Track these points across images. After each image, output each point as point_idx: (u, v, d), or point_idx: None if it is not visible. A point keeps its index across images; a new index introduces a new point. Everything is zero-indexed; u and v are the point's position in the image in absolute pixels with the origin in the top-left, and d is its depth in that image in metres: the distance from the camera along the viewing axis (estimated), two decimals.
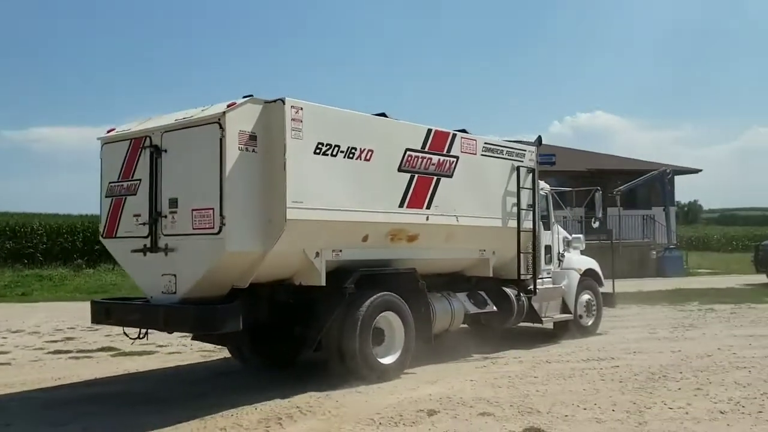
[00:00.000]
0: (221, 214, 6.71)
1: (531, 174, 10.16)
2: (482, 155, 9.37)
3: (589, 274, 11.84)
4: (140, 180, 7.54)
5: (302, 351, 8.32)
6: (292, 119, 7.03)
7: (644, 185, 29.52)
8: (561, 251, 11.48)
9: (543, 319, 10.64)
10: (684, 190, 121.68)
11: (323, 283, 7.57)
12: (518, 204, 9.85)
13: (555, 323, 11.21)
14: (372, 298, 7.82)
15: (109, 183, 7.93)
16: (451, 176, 8.80)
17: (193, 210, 6.98)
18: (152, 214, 7.37)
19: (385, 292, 8.04)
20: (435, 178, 8.59)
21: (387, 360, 8.05)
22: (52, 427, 6.40)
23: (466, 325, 9.87)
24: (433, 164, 8.57)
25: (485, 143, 9.49)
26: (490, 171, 9.52)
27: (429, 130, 8.57)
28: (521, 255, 9.95)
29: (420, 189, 8.39)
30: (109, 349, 10.88)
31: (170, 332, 8.05)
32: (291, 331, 8.13)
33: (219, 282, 7.23)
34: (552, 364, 8.87)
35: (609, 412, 6.43)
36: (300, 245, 7.32)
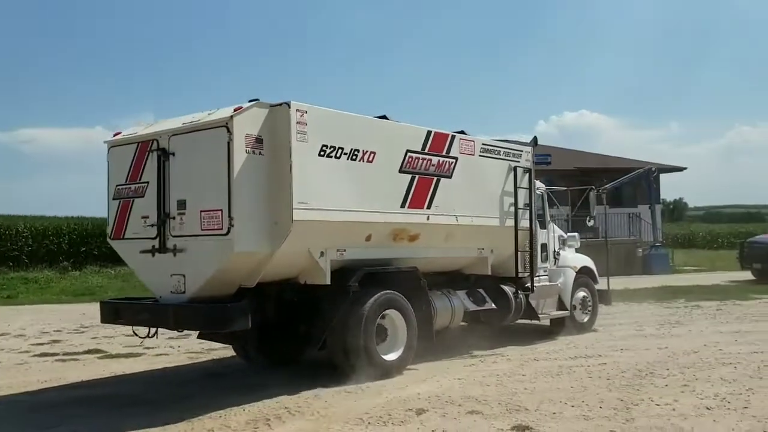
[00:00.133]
0: (230, 215, 6.97)
1: (527, 174, 10.49)
2: (480, 156, 9.69)
3: (584, 271, 12.19)
4: (148, 182, 7.80)
5: (307, 349, 8.60)
6: (298, 122, 7.30)
7: (630, 183, 29.86)
8: (557, 249, 11.83)
9: (540, 316, 10.97)
10: (669, 188, 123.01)
11: (328, 282, 7.84)
12: (515, 203, 10.18)
13: (551, 320, 11.55)
14: (375, 297, 8.10)
15: (117, 185, 8.18)
16: (450, 177, 9.11)
17: (201, 211, 7.24)
18: (160, 216, 7.62)
19: (388, 291, 8.32)
20: (435, 178, 8.90)
21: (390, 357, 8.32)
22: (39, 430, 6.48)
23: (464, 323, 10.16)
24: (433, 165, 8.88)
25: (483, 144, 9.82)
26: (488, 171, 9.84)
27: (429, 132, 8.88)
28: (519, 253, 10.29)
29: (420, 189, 8.70)
30: (96, 351, 10.92)
31: (180, 331, 8.35)
32: (296, 330, 8.39)
33: (227, 281, 7.50)
34: (540, 362, 9.06)
35: (596, 409, 6.56)
36: (306, 245, 7.60)
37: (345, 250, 8.04)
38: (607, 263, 13.95)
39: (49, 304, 19.54)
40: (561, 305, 11.57)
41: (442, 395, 7.17)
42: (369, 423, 6.27)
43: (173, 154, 7.60)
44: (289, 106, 7.29)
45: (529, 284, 10.61)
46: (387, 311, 8.30)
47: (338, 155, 7.75)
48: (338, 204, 7.71)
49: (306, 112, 7.40)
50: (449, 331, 9.80)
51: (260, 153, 7.23)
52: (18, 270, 25.22)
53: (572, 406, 6.64)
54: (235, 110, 7.11)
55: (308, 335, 8.25)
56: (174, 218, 7.53)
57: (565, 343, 10.60)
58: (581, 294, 11.99)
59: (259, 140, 7.23)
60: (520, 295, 10.42)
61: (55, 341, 12.14)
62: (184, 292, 7.52)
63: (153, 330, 7.98)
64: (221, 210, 7.03)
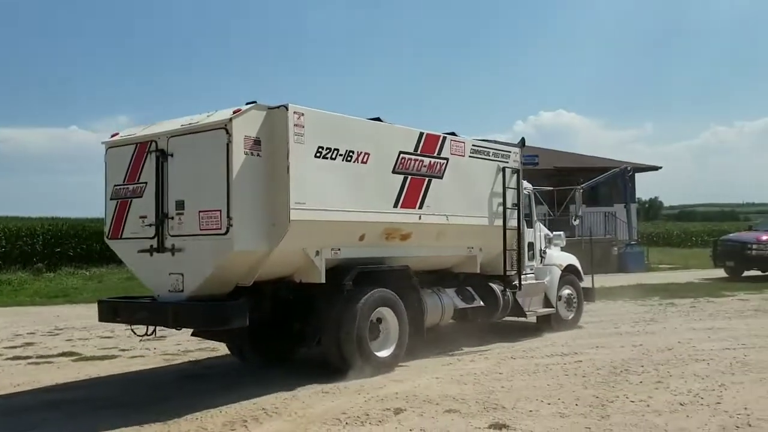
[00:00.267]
0: (228, 216, 7.24)
1: (516, 174, 10.89)
2: (470, 157, 10.07)
3: (569, 269, 12.61)
4: (146, 183, 8.04)
5: (302, 346, 8.90)
6: (295, 124, 7.59)
7: (605, 183, 30.24)
8: (543, 248, 12.26)
9: (527, 313, 11.38)
10: (644, 188, 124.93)
11: (323, 281, 8.14)
12: (504, 203, 10.57)
13: (538, 317, 12.00)
14: (369, 295, 8.43)
15: (114, 186, 8.41)
16: (441, 177, 9.48)
17: (200, 212, 7.49)
18: (159, 216, 7.87)
19: (381, 289, 8.65)
20: (426, 179, 9.26)
21: (383, 353, 8.65)
22: None
23: (452, 320, 10.51)
24: (425, 166, 9.24)
25: (473, 145, 10.21)
26: (478, 172, 10.22)
27: (421, 134, 9.25)
28: (507, 252, 10.66)
29: (413, 190, 9.05)
30: (70, 354, 10.89)
31: (179, 329, 8.56)
32: (290, 328, 8.67)
33: (225, 280, 7.78)
34: (517, 360, 9.27)
35: (572, 406, 6.73)
36: (302, 244, 7.90)
37: (339, 249, 8.34)
38: (591, 261, 14.25)
39: (23, 306, 19.37)
40: (547, 303, 11.97)
41: (419, 394, 7.32)
42: (347, 423, 6.38)
43: (172, 155, 7.84)
44: (287, 108, 7.57)
45: (516, 282, 10.96)
46: (380, 309, 8.63)
47: (334, 156, 8.06)
48: (334, 204, 8.02)
49: (303, 115, 7.70)
50: (438, 328, 10.14)
51: (258, 154, 7.51)
52: None
53: (548, 404, 6.82)
54: (234, 112, 7.38)
55: (303, 333, 8.54)
56: (172, 218, 7.78)
57: (542, 341, 10.87)
58: (567, 291, 12.41)
59: (257, 142, 7.51)
60: (508, 293, 10.80)
61: (28, 344, 12.09)
62: (182, 291, 7.77)
63: (151, 328, 8.21)
64: (220, 210, 7.29)
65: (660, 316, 14.10)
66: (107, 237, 8.61)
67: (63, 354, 10.87)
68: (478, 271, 10.51)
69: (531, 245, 11.79)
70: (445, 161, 9.57)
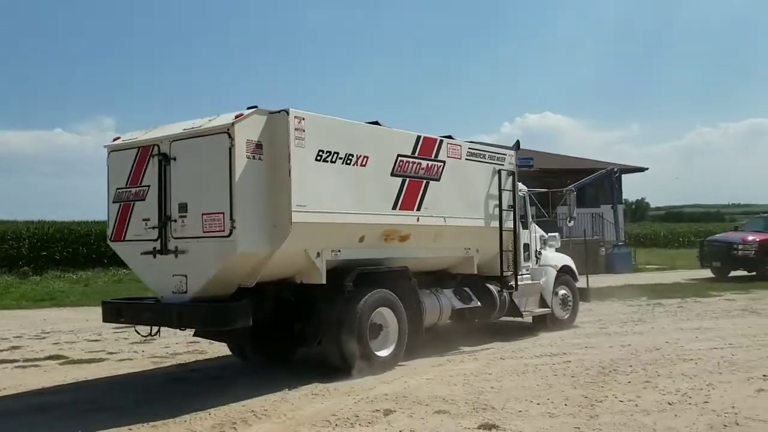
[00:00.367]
0: (231, 218, 7.45)
1: (511, 176, 11.18)
2: (467, 159, 10.33)
3: (565, 270, 12.89)
4: (149, 186, 8.24)
5: (303, 346, 9.11)
6: (296, 129, 7.83)
7: (592, 184, 30.55)
8: (538, 249, 12.53)
9: (523, 313, 11.65)
10: (631, 189, 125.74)
11: (324, 282, 8.36)
12: (500, 205, 10.83)
13: (534, 317, 12.26)
14: (368, 295, 8.66)
15: (117, 189, 8.61)
16: (438, 179, 9.74)
17: (203, 214, 7.71)
18: (161, 218, 8.06)
19: (381, 289, 8.88)
20: (424, 181, 9.52)
21: (383, 353, 8.87)
22: None
23: (450, 320, 10.68)
24: (423, 169, 9.50)
25: (469, 148, 10.48)
26: (474, 174, 10.49)
27: (418, 137, 9.51)
28: (503, 253, 10.93)
29: (411, 192, 9.31)
30: (57, 357, 10.87)
31: (182, 329, 8.76)
32: (292, 328, 8.87)
33: (228, 281, 7.99)
34: (506, 361, 9.37)
35: (561, 406, 6.80)
36: (303, 246, 8.12)
37: (340, 251, 8.58)
38: (586, 262, 14.51)
39: (9, 309, 19.27)
40: (543, 303, 12.25)
41: (409, 395, 7.39)
42: (336, 425, 6.42)
43: (174, 159, 8.05)
44: (287, 113, 7.81)
45: (512, 283, 11.21)
46: (380, 309, 8.85)
47: (334, 160, 8.29)
48: (334, 206, 8.25)
49: (303, 119, 7.94)
50: (436, 328, 10.38)
51: (260, 158, 7.73)
52: None
53: (538, 404, 6.91)
54: (236, 117, 7.60)
55: (304, 333, 8.76)
56: (175, 221, 7.98)
57: (532, 342, 11.04)
58: (562, 292, 12.69)
59: (258, 146, 7.73)
60: (504, 293, 11.06)
61: (14, 347, 12.04)
62: (186, 292, 7.96)
63: (155, 329, 8.42)
64: (223, 213, 7.51)
65: (648, 316, 14.29)
66: (110, 239, 8.78)
67: (50, 357, 10.88)
68: (475, 272, 10.75)
69: (527, 246, 12.06)
70: (442, 164, 9.83)
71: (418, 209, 9.44)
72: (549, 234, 13.11)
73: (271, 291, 8.48)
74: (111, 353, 11.10)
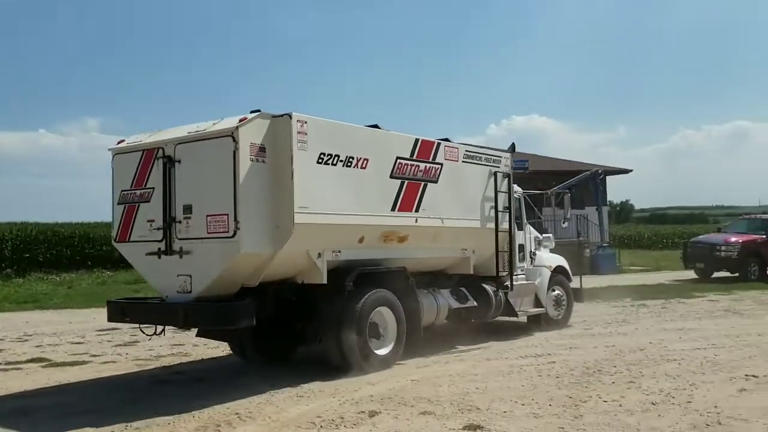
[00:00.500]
0: (236, 219, 7.71)
1: (507, 179, 11.50)
2: (463, 162, 10.65)
3: (559, 270, 13.23)
4: (153, 188, 8.50)
5: (304, 345, 9.39)
6: (298, 132, 8.10)
7: (577, 186, 30.69)
8: (533, 250, 12.88)
9: (518, 312, 11.98)
10: (616, 191, 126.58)
11: (325, 282, 8.63)
12: (496, 206, 11.16)
13: (529, 317, 12.61)
14: (368, 295, 8.93)
15: (122, 191, 8.85)
16: (436, 182, 10.05)
17: (207, 216, 7.97)
18: (166, 220, 8.32)
19: (380, 289, 9.16)
20: (422, 183, 9.82)
21: (382, 351, 9.16)
22: None
23: (446, 320, 10.96)
24: (421, 171, 9.81)
25: (466, 151, 10.80)
26: (471, 176, 10.81)
27: (416, 140, 9.81)
28: (499, 253, 11.24)
29: (409, 194, 9.61)
30: (40, 360, 10.84)
31: (188, 329, 9.04)
32: (292, 327, 9.15)
33: (232, 281, 8.25)
34: (492, 362, 9.48)
35: (546, 407, 6.89)
36: (305, 247, 8.39)
37: (340, 251, 8.86)
38: (581, 262, 14.98)
39: None
40: (538, 303, 12.58)
41: (394, 396, 7.46)
42: (321, 426, 6.47)
43: (179, 162, 8.31)
44: (290, 117, 8.09)
45: (508, 283, 11.53)
46: (379, 309, 9.14)
47: (335, 162, 8.58)
48: (335, 208, 8.54)
49: (306, 123, 8.21)
50: (433, 327, 10.66)
51: (263, 161, 8.01)
52: None
53: (522, 405, 7.00)
54: (240, 121, 7.87)
55: (304, 332, 9.04)
56: (180, 222, 8.23)
57: (517, 343, 11.21)
58: (556, 292, 13.04)
59: (262, 149, 8.01)
60: (500, 293, 11.38)
61: None
62: (190, 292, 8.22)
63: (160, 328, 8.67)
64: (227, 214, 7.78)
65: (632, 317, 14.55)
66: (115, 240, 9.03)
67: (32, 360, 10.86)
68: (472, 273, 11.08)
69: (522, 247, 12.39)
70: (440, 166, 10.14)
71: (417, 211, 9.72)
72: (543, 235, 13.46)
73: (272, 291, 8.72)
74: (94, 356, 11.14)
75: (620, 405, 6.91)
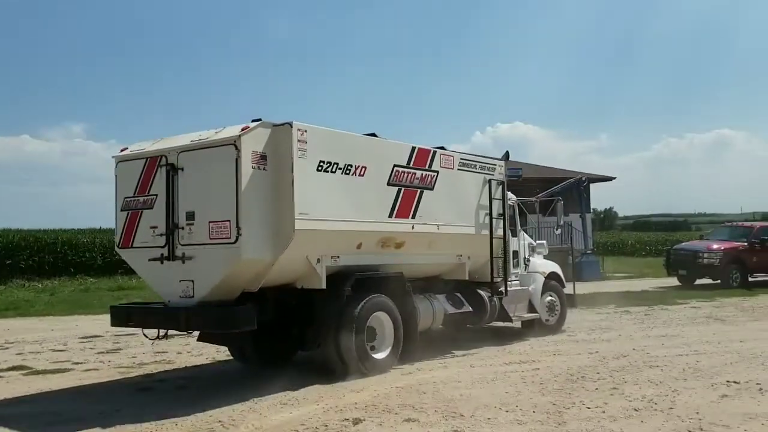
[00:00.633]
0: (237, 226, 7.95)
1: (501, 186, 11.86)
2: (459, 169, 10.97)
3: (552, 276, 13.55)
4: (156, 195, 8.73)
5: (304, 349, 9.63)
6: (298, 140, 8.36)
7: (561, 193, 30.98)
8: (527, 256, 13.21)
9: (513, 318, 12.25)
10: (600, 198, 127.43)
11: (323, 287, 8.88)
12: (490, 213, 11.48)
13: (523, 322, 12.88)
14: (366, 300, 9.18)
15: (125, 198, 9.08)
16: (432, 189, 10.35)
17: (210, 222, 8.20)
18: (169, 226, 8.54)
19: (377, 294, 9.41)
20: (419, 190, 10.11)
21: (379, 355, 9.41)
22: None
23: (442, 325, 11.24)
24: (417, 178, 10.10)
25: (461, 159, 11.12)
26: (466, 184, 11.14)
27: (413, 148, 10.11)
28: (493, 260, 11.57)
29: (406, 201, 9.90)
30: (21, 368, 10.81)
31: (190, 332, 9.28)
32: (291, 332, 9.36)
33: (233, 286, 8.47)
34: (476, 368, 9.57)
35: (530, 413, 6.97)
36: (305, 252, 8.64)
37: (338, 257, 9.12)
38: (573, 269, 15.28)
39: None
40: (531, 308, 12.89)
41: (378, 404, 7.49)
42: None
43: (182, 169, 8.55)
44: (291, 126, 8.35)
45: (502, 288, 11.85)
46: (376, 313, 9.39)
47: (334, 170, 8.85)
48: (334, 214, 8.80)
49: (306, 131, 8.48)
50: (429, 332, 10.93)
51: (264, 168, 8.25)
52: None
53: (506, 411, 7.07)
54: (242, 129, 8.12)
55: (302, 336, 9.27)
56: (183, 228, 8.47)
57: (501, 350, 11.30)
58: (550, 298, 13.34)
59: (263, 157, 8.24)
60: (495, 299, 11.69)
61: None
62: (192, 297, 8.44)
63: (163, 332, 8.90)
64: (229, 221, 8.01)
65: (615, 323, 14.75)
66: (118, 246, 9.25)
67: (13, 368, 10.80)
68: (467, 278, 11.38)
69: (516, 253, 12.72)
70: (436, 174, 10.46)
71: (413, 217, 10.01)
72: (537, 241, 13.81)
73: (273, 296, 8.96)
74: (76, 363, 11.13)
75: (603, 411, 7.01)
